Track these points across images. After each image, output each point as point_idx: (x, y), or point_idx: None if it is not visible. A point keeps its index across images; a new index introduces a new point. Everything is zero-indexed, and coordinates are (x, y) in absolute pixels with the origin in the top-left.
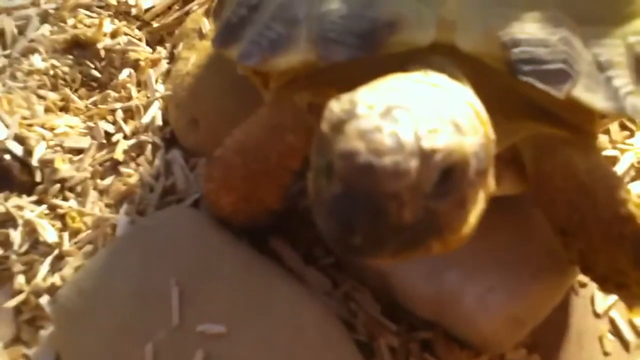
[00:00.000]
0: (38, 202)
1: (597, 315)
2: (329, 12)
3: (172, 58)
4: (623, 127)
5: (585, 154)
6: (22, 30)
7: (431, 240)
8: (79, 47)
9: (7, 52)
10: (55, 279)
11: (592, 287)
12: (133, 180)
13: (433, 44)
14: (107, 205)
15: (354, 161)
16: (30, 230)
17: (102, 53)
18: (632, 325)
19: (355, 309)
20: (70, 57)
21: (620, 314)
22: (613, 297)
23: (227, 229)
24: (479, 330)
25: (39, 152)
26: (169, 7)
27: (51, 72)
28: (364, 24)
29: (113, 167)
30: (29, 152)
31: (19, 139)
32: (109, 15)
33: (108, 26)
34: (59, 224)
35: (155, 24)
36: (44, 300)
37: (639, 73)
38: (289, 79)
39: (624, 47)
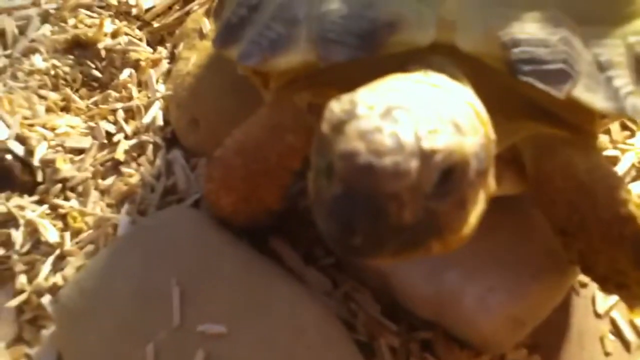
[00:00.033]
0: (39, 202)
1: (598, 315)
2: (328, 12)
3: (172, 58)
4: (624, 127)
5: (585, 154)
6: (23, 30)
7: (431, 241)
8: (79, 47)
9: (8, 52)
10: (57, 278)
11: (593, 287)
12: (134, 180)
13: (433, 44)
14: (109, 205)
15: (354, 162)
16: (32, 230)
17: (103, 53)
18: (633, 326)
19: (356, 309)
20: (71, 57)
21: (621, 314)
22: (614, 298)
23: (228, 229)
24: (479, 330)
25: (40, 152)
26: (170, 7)
27: (52, 72)
28: (363, 24)
29: (114, 167)
30: (30, 152)
31: (20, 139)
32: (110, 15)
33: (109, 26)
34: (60, 224)
35: (155, 24)
36: (46, 300)
37: (639, 73)
38: (289, 79)
39: (624, 47)
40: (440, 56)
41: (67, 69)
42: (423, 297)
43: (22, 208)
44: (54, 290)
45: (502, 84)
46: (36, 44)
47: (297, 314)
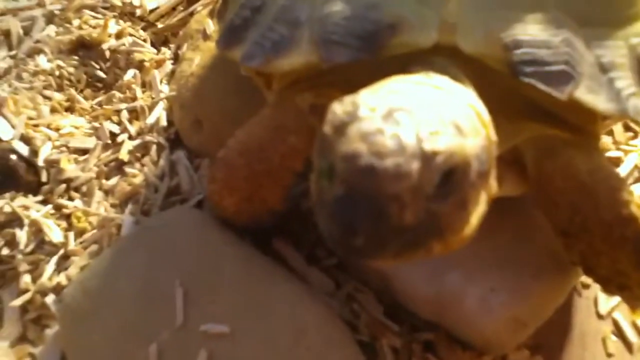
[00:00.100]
0: (44, 202)
1: (600, 316)
2: (331, 14)
3: (176, 59)
4: (627, 128)
5: (587, 155)
6: (27, 31)
7: (432, 242)
8: (84, 48)
9: (13, 52)
10: (61, 278)
11: (595, 288)
12: (138, 180)
13: (435, 46)
14: (112, 205)
15: (356, 163)
16: (36, 230)
17: (107, 54)
18: (635, 327)
19: (358, 309)
20: (76, 57)
21: (623, 315)
22: (616, 299)
23: (230, 230)
24: (481, 331)
25: (45, 152)
26: (174, 8)
27: (57, 73)
28: (366, 25)
29: (118, 167)
30: (34, 153)
31: (25, 139)
32: (114, 16)
33: (113, 27)
34: (64, 224)
35: (159, 25)
36: (50, 299)
37: None
38: (291, 80)
39: (627, 48)
40: (442, 58)
41: (71, 69)
42: (425, 298)
43: (26, 208)
44: (57, 289)
45: (504, 86)
46: (41, 44)
47: (299, 314)
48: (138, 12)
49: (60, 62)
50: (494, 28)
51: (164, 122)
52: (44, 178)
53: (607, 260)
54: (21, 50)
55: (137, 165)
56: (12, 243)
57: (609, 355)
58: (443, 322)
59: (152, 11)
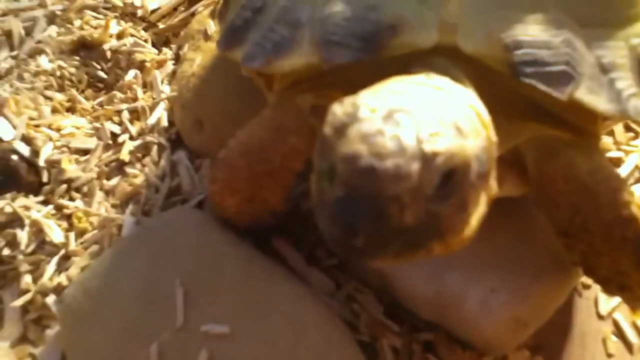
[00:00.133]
0: (45, 203)
1: (600, 317)
2: (331, 15)
3: (177, 59)
4: (628, 128)
5: (587, 155)
6: (29, 32)
7: (433, 242)
8: (85, 48)
9: (15, 53)
10: (62, 278)
11: (596, 288)
12: (139, 180)
13: (436, 47)
14: (113, 206)
15: (356, 164)
16: (37, 231)
17: (109, 54)
18: (636, 327)
19: (358, 310)
20: (77, 58)
21: (623, 316)
22: (616, 299)
23: (231, 230)
24: (481, 331)
25: (46, 152)
26: (175, 9)
27: (58, 73)
28: (366, 26)
29: (119, 167)
30: (35, 153)
31: (26, 140)
32: (115, 17)
33: (114, 27)
34: (65, 224)
35: (161, 25)
36: (50, 299)
37: None
38: (292, 81)
39: (627, 49)
40: (443, 58)
41: (72, 70)
42: (425, 299)
43: (27, 208)
44: (58, 290)
45: (505, 86)
46: (42, 45)
47: (299, 314)
48: (139, 12)
49: (62, 63)
50: (495, 28)
51: (165, 123)
52: (45, 178)
53: (607, 261)
54: (22, 51)
55: (138, 165)
56: (13, 243)
57: (609, 355)
58: (443, 322)
59: (153, 12)
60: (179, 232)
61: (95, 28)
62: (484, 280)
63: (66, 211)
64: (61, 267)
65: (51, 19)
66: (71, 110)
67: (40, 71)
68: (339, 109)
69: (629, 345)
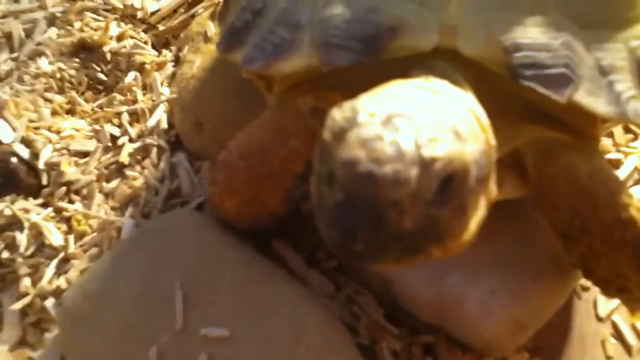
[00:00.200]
0: (44, 205)
1: (599, 318)
2: (331, 17)
3: (177, 61)
4: (627, 130)
5: (587, 157)
6: (29, 34)
7: (432, 247)
8: (85, 50)
9: (15, 55)
10: (61, 281)
11: (595, 290)
12: (138, 183)
13: (435, 49)
14: (113, 208)
15: (355, 169)
16: (36, 233)
17: (108, 56)
18: (635, 329)
19: (358, 312)
20: (77, 60)
21: (622, 318)
22: (615, 301)
23: (231, 232)
24: (481, 333)
25: (45, 155)
26: (175, 11)
27: (58, 75)
28: (366, 28)
29: (118, 170)
30: (35, 155)
31: (26, 142)
32: (115, 19)
33: (114, 29)
34: (64, 227)
35: (161, 27)
36: (50, 303)
37: None
38: (292, 83)
39: (626, 51)
40: (443, 61)
41: (72, 72)
42: (425, 301)
43: (26, 211)
44: (57, 293)
45: (504, 89)
46: (42, 47)
47: (299, 316)
48: (139, 14)
49: (62, 65)
50: (494, 31)
51: (164, 125)
52: (44, 181)
53: (606, 263)
54: (22, 53)
55: (138, 167)
56: (12, 246)
57: (608, 357)
58: (443, 325)
59: (153, 13)
60: (179, 235)
61: (95, 30)
62: (483, 282)
63: (65, 214)
64: (60, 270)
65: (51, 21)
66: (71, 112)
67: (40, 73)
68: (338, 114)
69: (627, 348)
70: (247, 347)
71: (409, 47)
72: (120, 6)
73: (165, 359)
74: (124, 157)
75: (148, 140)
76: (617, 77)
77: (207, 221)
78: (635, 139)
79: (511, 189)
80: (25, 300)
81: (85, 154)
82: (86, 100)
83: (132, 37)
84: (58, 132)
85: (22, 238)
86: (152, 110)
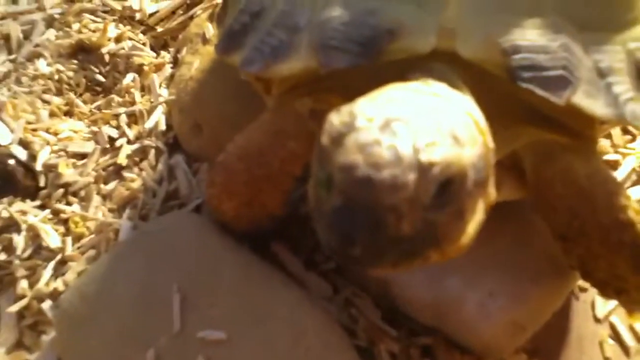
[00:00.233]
0: (41, 207)
1: (597, 320)
2: (330, 19)
3: (175, 63)
4: (625, 131)
5: (585, 159)
6: (27, 35)
7: (430, 251)
8: (83, 52)
9: (13, 56)
10: (58, 284)
11: (593, 291)
12: (136, 185)
13: (434, 51)
14: (110, 210)
15: (353, 174)
16: (34, 235)
17: (107, 58)
18: (633, 330)
19: (356, 314)
20: (75, 61)
21: (620, 319)
22: (613, 302)
23: (229, 234)
24: (479, 336)
25: (43, 156)
26: (173, 12)
27: (56, 77)
28: (365, 31)
29: (116, 171)
30: (33, 157)
31: (24, 144)
32: (114, 20)
33: (112, 31)
34: (62, 229)
35: (159, 29)
36: (47, 305)
37: (639, 79)
38: (290, 85)
39: (625, 53)
40: (441, 63)
41: (70, 73)
42: (423, 303)
43: (24, 213)
44: (54, 295)
45: (503, 91)
46: (40, 48)
47: (297, 319)
48: (138, 16)
49: (60, 66)
50: (493, 33)
51: (162, 126)
52: (42, 183)
53: (605, 265)
54: (21, 54)
55: (136, 169)
56: (9, 248)
57: (606, 359)
58: (442, 327)
59: (151, 15)
60: (177, 237)
61: (94, 32)
62: (482, 284)
63: (63, 216)
64: (58, 272)
65: (50, 23)
66: (69, 114)
67: (38, 75)
68: (336, 118)
69: (625, 349)
70: (245, 350)
71: (407, 50)
72: (119, 8)
73: None
74: (121, 159)
75: (146, 142)
76: (615, 79)
77: (205, 223)
78: (633, 140)
79: (509, 192)
80: (22, 302)
81: (83, 156)
82: (84, 102)
83: (130, 39)
84: (56, 134)
85: (19, 240)
86: (150, 112)
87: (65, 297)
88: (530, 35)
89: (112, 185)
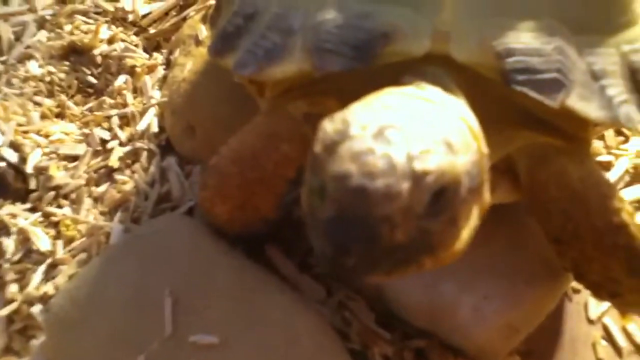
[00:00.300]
0: (32, 210)
1: (590, 321)
2: (324, 22)
3: (168, 64)
4: (618, 132)
5: (579, 162)
6: (18, 37)
7: (424, 258)
8: (75, 54)
9: (4, 58)
10: (48, 287)
11: (586, 293)
12: (128, 187)
13: (428, 55)
14: (102, 213)
15: (347, 184)
16: (24, 239)
17: (99, 59)
18: (625, 332)
19: (350, 317)
20: (67, 63)
21: (613, 320)
22: (606, 304)
23: (222, 237)
24: (474, 339)
25: (34, 159)
26: (166, 13)
27: (47, 79)
28: (359, 34)
29: (108, 174)
30: (23, 160)
31: (14, 146)
32: (106, 22)
33: (105, 32)
34: (52, 232)
35: (152, 30)
36: (37, 309)
37: (632, 82)
38: (284, 88)
39: (618, 55)
40: (435, 67)
41: (62, 75)
42: (418, 307)
43: (14, 216)
44: (45, 299)
45: (497, 94)
46: (32, 50)
47: (290, 322)
48: (130, 17)
49: (51, 68)
50: (487, 36)
51: (155, 129)
52: (32, 185)
53: (598, 267)
54: (12, 56)
55: (127, 172)
56: None
57: None
58: (436, 330)
59: (144, 16)
60: (169, 240)
61: (86, 33)
62: (477, 287)
63: (54, 219)
64: (48, 276)
65: (41, 24)
66: (60, 116)
67: (29, 76)
68: (329, 126)
69: (618, 350)
70: (238, 354)
71: (401, 53)
72: (111, 9)
73: None
74: (113, 161)
75: (138, 144)
76: (609, 82)
77: (198, 226)
78: (625, 141)
79: (504, 195)
80: (12, 306)
81: (74, 158)
82: (76, 104)
83: (122, 40)
84: (47, 136)
85: (9, 243)
86: (142, 114)
87: (56, 300)
88: (524, 38)
89: (103, 187)
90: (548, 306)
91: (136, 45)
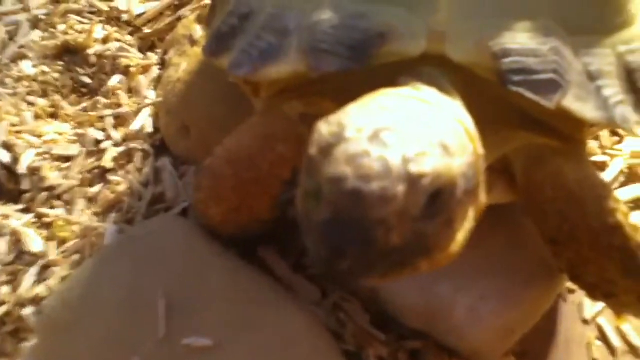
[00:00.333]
0: (25, 211)
1: (585, 321)
2: (320, 23)
3: (163, 64)
4: (613, 133)
5: (575, 163)
6: (12, 36)
7: (420, 260)
8: (69, 53)
9: None
10: (41, 289)
11: (581, 293)
12: (122, 188)
13: (424, 55)
14: (95, 214)
15: (342, 187)
16: (16, 240)
17: (93, 59)
18: (620, 332)
19: (344, 319)
20: (61, 63)
21: (607, 321)
22: (601, 304)
23: (216, 238)
24: (470, 340)
25: (27, 159)
26: (161, 13)
27: (41, 79)
28: (355, 35)
29: (102, 174)
30: (16, 160)
31: (7, 147)
32: (100, 21)
33: (99, 32)
34: (45, 233)
35: (146, 30)
36: (28, 311)
37: (628, 82)
38: (279, 88)
39: (614, 56)
40: (431, 67)
41: (56, 75)
42: (414, 308)
43: (6, 217)
44: (37, 301)
45: (493, 94)
46: (25, 49)
47: (285, 324)
48: (125, 17)
49: (45, 68)
50: (483, 36)
51: (149, 129)
52: (25, 186)
53: (594, 268)
54: (5, 56)
55: (121, 172)
56: None
57: None
58: (432, 331)
59: (139, 16)
60: (163, 241)
61: (80, 33)
62: (473, 288)
63: (47, 219)
64: (41, 278)
65: (35, 24)
66: (54, 116)
67: (22, 76)
68: (325, 129)
69: (612, 350)
70: (232, 356)
71: (397, 53)
72: (106, 9)
73: None
74: (107, 162)
75: (132, 145)
76: (605, 83)
77: (192, 227)
78: (620, 141)
79: (500, 195)
80: (3, 308)
81: (68, 159)
82: (70, 104)
83: (117, 40)
84: (40, 136)
85: (1, 245)
86: (136, 114)
87: (48, 302)
88: (520, 39)
89: (97, 188)
90: (544, 307)
91: (131, 45)
